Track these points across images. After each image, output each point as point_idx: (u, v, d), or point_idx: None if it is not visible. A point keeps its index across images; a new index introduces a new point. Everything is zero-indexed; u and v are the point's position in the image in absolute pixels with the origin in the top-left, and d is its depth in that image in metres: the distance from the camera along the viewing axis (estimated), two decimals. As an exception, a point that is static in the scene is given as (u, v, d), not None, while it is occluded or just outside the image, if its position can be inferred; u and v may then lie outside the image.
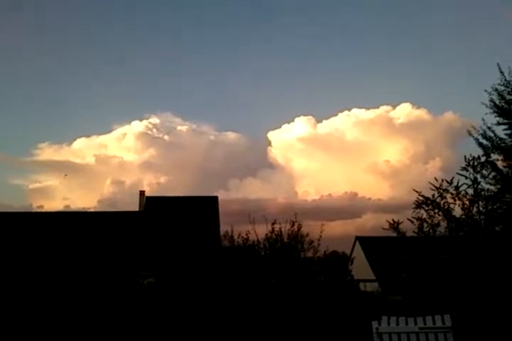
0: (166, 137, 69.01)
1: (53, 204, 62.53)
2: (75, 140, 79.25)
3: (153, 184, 54.43)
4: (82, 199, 57.83)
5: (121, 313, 12.28)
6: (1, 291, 13.88)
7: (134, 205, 27.08)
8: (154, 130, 68.11)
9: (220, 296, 12.80)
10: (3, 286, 14.68)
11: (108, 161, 63.45)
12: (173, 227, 24.14)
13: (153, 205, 25.96)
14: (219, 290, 13.17)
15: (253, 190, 60.50)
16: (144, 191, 27.54)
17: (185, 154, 66.00)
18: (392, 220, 11.54)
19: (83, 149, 66.35)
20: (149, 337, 11.52)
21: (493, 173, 11.41)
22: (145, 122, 70.56)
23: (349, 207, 55.40)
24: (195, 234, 23.55)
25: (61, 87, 72.21)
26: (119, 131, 69.59)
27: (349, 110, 71.42)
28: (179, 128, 73.29)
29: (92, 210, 30.37)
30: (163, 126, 70.31)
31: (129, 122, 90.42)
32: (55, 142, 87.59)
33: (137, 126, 66.55)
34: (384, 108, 68.08)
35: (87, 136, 79.93)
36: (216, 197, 26.98)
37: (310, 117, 70.13)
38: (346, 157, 65.76)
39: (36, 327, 11.66)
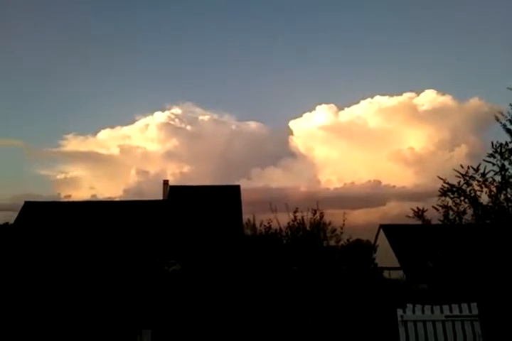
0: (188, 127, 69.45)
1: (80, 194, 63.87)
2: (99, 131, 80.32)
3: (177, 173, 55.07)
4: (107, 188, 59.06)
5: (146, 300, 12.58)
6: (34, 279, 14.38)
7: (158, 194, 27.41)
8: (176, 120, 68.53)
9: (242, 283, 12.93)
10: (36, 274, 15.19)
11: (132, 152, 64.35)
12: (196, 216, 24.39)
13: (176, 194, 26.24)
14: (241, 278, 13.31)
15: (275, 178, 60.48)
16: (167, 180, 27.80)
17: (207, 144, 66.35)
18: (417, 208, 11.42)
19: (108, 140, 67.60)
20: (174, 322, 11.79)
21: (521, 159, 11.07)
22: (167, 113, 70.83)
23: (373, 195, 54.87)
24: (218, 223, 23.75)
25: (84, 79, 73.31)
26: (142, 122, 70.17)
27: (371, 97, 69.87)
28: (201, 118, 73.57)
29: (117, 199, 30.92)
30: (185, 116, 70.55)
31: (152, 113, 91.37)
32: (81, 133, 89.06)
33: (159, 117, 67.12)
34: (407, 95, 66.62)
35: (111, 127, 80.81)
36: (238, 186, 27.06)
37: (332, 105, 69.16)
38: (369, 145, 64.93)
39: (66, 313, 12.11)
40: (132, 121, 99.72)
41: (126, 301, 12.31)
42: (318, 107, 70.25)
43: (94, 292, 12.92)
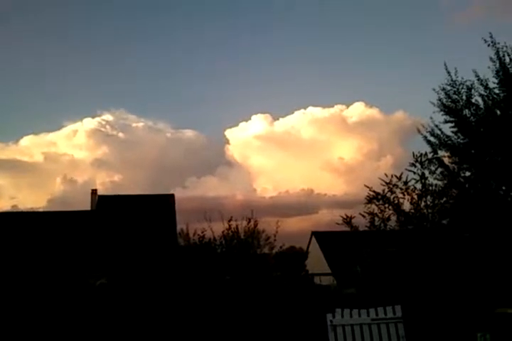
0: (120, 134, 67.00)
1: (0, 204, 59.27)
2: (21, 137, 75.36)
3: (107, 183, 52.65)
4: (30, 198, 55.23)
5: (68, 315, 11.83)
6: None
7: (85, 205, 26.18)
8: (108, 127, 65.87)
9: (174, 295, 12.62)
10: None
11: (58, 159, 60.70)
12: (126, 226, 23.51)
13: (105, 204, 25.18)
14: (173, 289, 12.99)
15: (211, 187, 60.01)
16: (96, 190, 26.65)
17: (141, 152, 64.40)
18: (346, 215, 11.85)
19: (31, 147, 63.30)
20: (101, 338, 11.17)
21: (440, 169, 11.90)
22: (98, 119, 68.02)
23: (306, 204, 56.18)
24: (150, 233, 23.06)
25: (5, 81, 68.62)
26: (69, 128, 66.78)
27: (305, 108, 72.18)
28: (134, 125, 71.28)
29: (41, 210, 29.08)
30: (117, 123, 68.05)
31: (81, 119, 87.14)
32: (0, 140, 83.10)
33: (89, 123, 64.08)
34: (338, 107, 69.48)
35: (36, 133, 76.18)
36: (172, 195, 26.53)
37: (267, 115, 70.36)
38: (303, 154, 66.60)
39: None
40: (59, 127, 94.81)
41: (45, 319, 11.46)
42: (254, 117, 71.29)
43: (11, 309, 11.93)
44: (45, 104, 70.03)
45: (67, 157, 60.53)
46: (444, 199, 11.47)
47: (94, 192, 26.29)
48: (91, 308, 12.48)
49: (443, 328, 8.42)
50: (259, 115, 68.58)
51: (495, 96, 11.84)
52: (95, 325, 11.66)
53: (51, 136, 66.27)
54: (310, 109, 66.58)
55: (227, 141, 70.39)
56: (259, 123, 67.42)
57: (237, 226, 14.51)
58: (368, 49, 73.88)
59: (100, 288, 16.78)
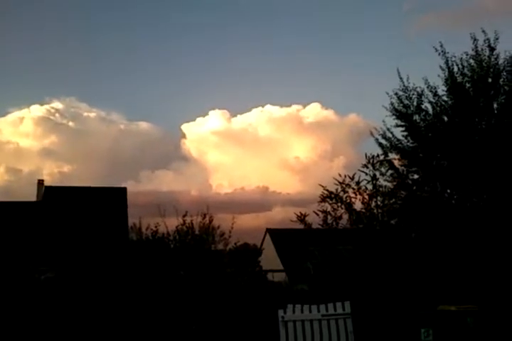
0: (70, 123, 64.28)
1: None
2: (-40, 123, 70.62)
3: (55, 173, 50.57)
4: (-31, 187, 51.97)
5: (11, 311, 11.37)
6: None
7: (31, 195, 25.07)
8: (57, 115, 63.09)
9: (124, 290, 12.42)
10: None
11: (1, 147, 57.55)
12: (75, 219, 22.73)
13: (53, 196, 24.19)
14: (124, 284, 12.78)
15: (165, 182, 59.14)
16: (42, 180, 25.49)
17: (92, 142, 61.99)
18: (300, 213, 12.13)
19: (-29, 133, 59.52)
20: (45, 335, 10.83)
21: (390, 171, 12.42)
22: (46, 106, 65.00)
23: (261, 201, 56.74)
24: (100, 227, 22.44)
25: None
26: (15, 115, 63.13)
27: (263, 106, 72.67)
28: (85, 114, 68.64)
29: (-19, 200, 27.46)
30: (67, 111, 65.33)
31: (28, 106, 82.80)
32: None
33: (37, 110, 61.05)
34: (295, 107, 70.60)
35: (-24, 119, 71.45)
36: (125, 189, 25.91)
37: (225, 111, 70.22)
38: (259, 152, 67.00)
39: None
40: (3, 114, 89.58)
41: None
42: (211, 112, 70.60)
43: None
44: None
45: (11, 145, 57.48)
46: (393, 200, 11.99)
47: (40, 182, 25.19)
48: (36, 303, 12.05)
49: (389, 324, 8.85)
50: (216, 111, 68.28)
51: (443, 103, 12.48)
52: (40, 322, 11.29)
53: (-6, 123, 62.75)
54: (268, 107, 67.31)
55: (183, 136, 69.72)
56: (216, 118, 67.14)
57: (191, 221, 14.44)
58: (326, 50, 75.33)
59: (46, 283, 16.19)
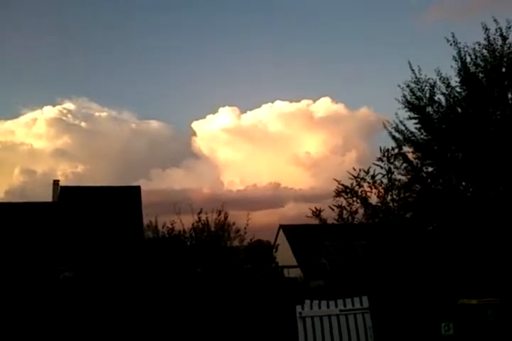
0: (82, 124, 64.74)
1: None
2: (-25, 125, 71.56)
3: (69, 173, 51.15)
4: (-14, 189, 52.90)
5: (30, 310, 11.57)
6: None
7: (47, 196, 25.42)
8: (69, 116, 63.69)
9: (143, 288, 12.55)
10: None
11: (16, 149, 58.10)
12: (91, 219, 23.01)
13: (68, 196, 24.53)
14: (142, 282, 12.91)
15: (177, 180, 59.31)
16: (58, 180, 25.85)
17: (105, 142, 62.46)
18: (315, 208, 12.11)
19: (-15, 136, 60.38)
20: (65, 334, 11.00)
21: (404, 164, 12.33)
22: (58, 107, 65.47)
23: (273, 197, 56.65)
24: (116, 226, 22.70)
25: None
26: (28, 116, 64.00)
27: (272, 102, 72.32)
28: (97, 114, 69.10)
29: (-1, 201, 27.93)
30: (79, 112, 65.76)
31: (41, 107, 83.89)
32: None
33: (49, 111, 61.53)
34: (305, 101, 70.16)
35: (-9, 121, 72.52)
36: (138, 187, 26.14)
37: (235, 108, 69.95)
38: (270, 148, 66.82)
39: None
40: (16, 115, 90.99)
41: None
42: (221, 109, 70.41)
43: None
44: (1, 91, 66.94)
45: (25, 146, 58.26)
46: (408, 193, 11.91)
47: (56, 183, 25.53)
48: (55, 302, 12.24)
49: (408, 318, 8.82)
50: (226, 108, 68.25)
51: (456, 94, 12.34)
52: (59, 320, 11.47)
53: (8, 124, 63.59)
54: (277, 103, 66.90)
55: (194, 133, 69.42)
56: (226, 115, 66.99)
57: (207, 218, 14.50)
58: (335, 45, 74.70)
59: (64, 282, 16.44)
